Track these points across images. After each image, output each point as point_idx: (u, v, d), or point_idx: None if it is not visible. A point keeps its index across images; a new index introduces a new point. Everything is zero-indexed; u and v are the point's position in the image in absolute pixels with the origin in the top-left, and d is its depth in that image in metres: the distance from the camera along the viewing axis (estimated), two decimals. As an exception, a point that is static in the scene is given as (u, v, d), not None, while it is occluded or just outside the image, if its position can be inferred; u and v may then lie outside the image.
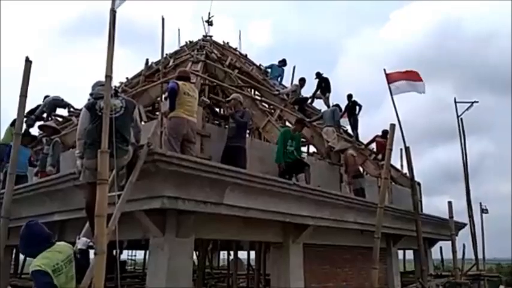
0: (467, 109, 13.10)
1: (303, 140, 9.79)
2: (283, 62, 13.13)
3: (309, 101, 12.60)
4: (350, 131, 12.60)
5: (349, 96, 12.42)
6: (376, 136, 11.93)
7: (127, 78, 12.47)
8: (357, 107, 12.22)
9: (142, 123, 8.73)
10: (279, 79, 12.82)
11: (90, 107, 4.16)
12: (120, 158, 3.99)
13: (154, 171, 4.25)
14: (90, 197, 3.87)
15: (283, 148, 7.13)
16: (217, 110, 11.35)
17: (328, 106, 11.54)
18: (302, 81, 11.69)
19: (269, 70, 13.12)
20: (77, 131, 4.26)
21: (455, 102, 13.21)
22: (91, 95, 4.26)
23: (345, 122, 12.76)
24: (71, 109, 10.89)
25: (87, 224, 4.18)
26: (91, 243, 3.74)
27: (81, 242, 3.86)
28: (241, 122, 6.56)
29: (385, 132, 11.74)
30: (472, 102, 13.25)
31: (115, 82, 12.34)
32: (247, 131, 10.86)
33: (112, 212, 3.79)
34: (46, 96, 10.83)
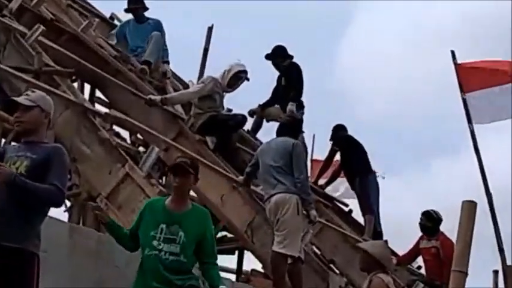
0: None
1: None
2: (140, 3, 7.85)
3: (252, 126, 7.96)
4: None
5: (338, 128, 7.91)
6: (422, 239, 7.30)
7: None
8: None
9: None
10: (160, 46, 7.66)
11: None
12: None
13: None
14: None
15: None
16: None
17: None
18: (243, 74, 6.89)
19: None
20: None
21: None
22: None
23: (341, 187, 8.78)
24: None
25: None
26: None
27: None
28: None
29: (428, 216, 7.09)
30: None
31: None
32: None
33: None
34: None
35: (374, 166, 7.69)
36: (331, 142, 7.79)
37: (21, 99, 2.97)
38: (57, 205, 3.07)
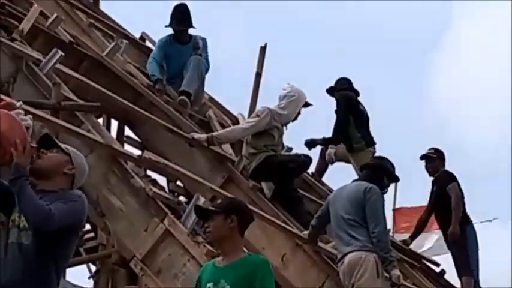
0: None
1: None
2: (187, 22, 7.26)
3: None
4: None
5: (439, 153, 6.86)
6: None
7: None
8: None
9: None
10: (201, 71, 7.11)
11: None
12: None
13: None
14: None
15: None
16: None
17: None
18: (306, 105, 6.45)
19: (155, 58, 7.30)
20: None
21: None
22: None
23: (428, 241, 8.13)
24: None
25: None
26: None
27: None
28: None
29: None
30: None
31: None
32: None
33: None
34: None
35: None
36: (430, 173, 6.60)
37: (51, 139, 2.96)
38: (41, 223, 2.75)
